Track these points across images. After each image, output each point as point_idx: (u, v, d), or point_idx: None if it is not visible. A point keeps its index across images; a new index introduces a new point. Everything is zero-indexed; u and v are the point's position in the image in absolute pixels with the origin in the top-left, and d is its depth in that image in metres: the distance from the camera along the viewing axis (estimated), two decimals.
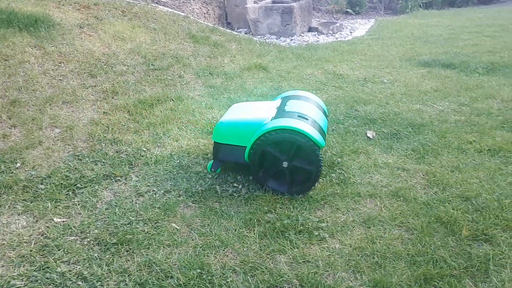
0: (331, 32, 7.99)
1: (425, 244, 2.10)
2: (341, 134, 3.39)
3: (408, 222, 2.28)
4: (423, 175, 2.77)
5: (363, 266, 1.97)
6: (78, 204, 2.44)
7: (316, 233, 2.20)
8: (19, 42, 4.07)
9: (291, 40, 7.33)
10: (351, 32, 8.15)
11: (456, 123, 3.58)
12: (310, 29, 8.20)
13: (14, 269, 1.93)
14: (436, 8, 11.44)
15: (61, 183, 2.61)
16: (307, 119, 2.55)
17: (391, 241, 2.14)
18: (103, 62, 4.40)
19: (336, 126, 3.55)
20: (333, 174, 2.78)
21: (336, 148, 3.12)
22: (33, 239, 2.14)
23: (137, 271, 1.95)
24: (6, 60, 3.77)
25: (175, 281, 1.88)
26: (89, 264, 1.98)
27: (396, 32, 7.98)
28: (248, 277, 1.92)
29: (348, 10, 10.31)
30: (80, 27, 4.93)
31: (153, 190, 2.60)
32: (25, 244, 2.10)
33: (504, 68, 5.22)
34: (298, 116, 2.57)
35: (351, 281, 1.89)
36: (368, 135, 3.34)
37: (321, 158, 2.49)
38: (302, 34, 7.80)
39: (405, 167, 2.86)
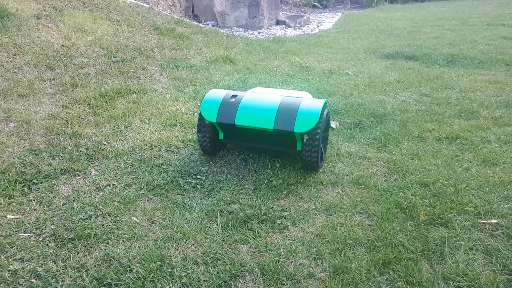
0: (298, 25, 8.02)
1: (384, 230, 2.15)
2: None
3: (368, 209, 2.32)
4: (384, 163, 2.83)
5: (324, 253, 1.99)
6: (34, 200, 2.34)
7: (279, 222, 2.21)
8: None
9: (259, 33, 7.32)
10: (318, 26, 8.22)
11: (417, 113, 3.67)
12: (278, 22, 8.21)
13: None
14: (401, 2, 11.71)
15: (16, 179, 2.50)
16: None
17: (351, 227, 2.18)
18: (62, 54, 4.24)
19: None
20: (296, 164, 2.79)
21: None
22: None
23: (94, 266, 1.89)
24: None
25: (134, 274, 1.84)
26: (43, 261, 1.90)
27: (362, 25, 8.12)
28: (210, 268, 1.91)
29: (315, 3, 10.39)
30: (38, 18, 4.72)
31: (113, 184, 2.53)
32: None
33: (463, 60, 5.41)
34: None
35: (312, 268, 1.91)
36: (332, 125, 3.38)
37: None
38: (269, 27, 7.80)
39: (367, 156, 2.91)
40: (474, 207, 2.32)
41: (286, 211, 2.30)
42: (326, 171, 2.72)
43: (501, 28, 7.51)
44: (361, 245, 2.05)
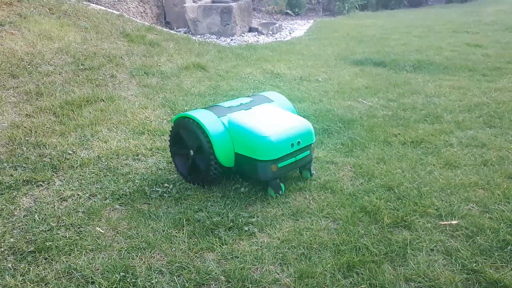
0: (271, 32, 8.10)
1: (349, 233, 2.18)
2: None
3: (334, 213, 2.35)
4: (351, 167, 2.88)
5: (290, 258, 2.00)
6: None
7: (246, 229, 2.21)
8: None
9: (231, 40, 7.34)
10: (290, 33, 8.31)
11: (384, 118, 3.76)
12: (251, 30, 8.26)
13: None
14: (371, 10, 11.99)
15: None
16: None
17: (317, 232, 2.20)
18: (26, 62, 4.13)
19: None
20: None
21: None
22: None
23: (55, 279, 1.84)
24: None
25: (97, 286, 1.80)
26: (1, 276, 1.84)
27: (333, 32, 8.26)
28: (175, 277, 1.89)
29: (288, 11, 10.51)
30: (1, 25, 4.61)
31: (78, 194, 2.48)
32: None
33: (429, 66, 5.58)
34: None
35: (278, 273, 1.91)
36: None
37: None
38: (242, 34, 7.84)
39: (334, 161, 2.95)
40: (436, 209, 2.38)
41: (253, 218, 2.31)
42: (293, 177, 2.74)
43: (466, 35, 7.80)
44: (326, 249, 2.07)
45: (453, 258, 2.01)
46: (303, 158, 2.57)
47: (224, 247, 2.08)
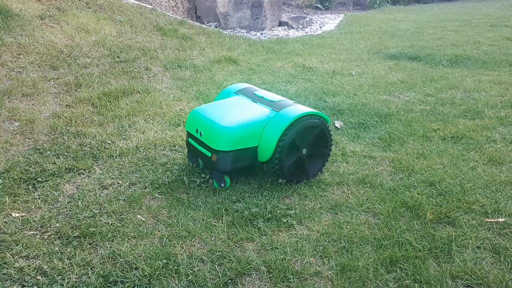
0: (301, 26, 8.03)
1: (391, 228, 2.13)
2: None
3: (374, 208, 2.31)
4: (389, 162, 2.82)
5: (330, 251, 1.98)
6: (39, 198, 2.33)
7: (285, 220, 2.20)
8: None
9: (261, 34, 7.32)
10: (320, 27, 8.22)
11: (422, 112, 3.66)
12: (280, 24, 8.21)
13: None
14: (403, 4, 11.71)
15: (20, 177, 2.49)
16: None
17: (358, 226, 2.16)
18: (65, 54, 4.24)
19: None
20: None
21: None
22: None
23: (100, 263, 1.88)
24: None
25: (140, 272, 1.83)
26: (49, 259, 1.90)
27: (365, 26, 8.12)
28: (216, 265, 1.90)
29: (317, 5, 10.39)
30: (41, 18, 4.74)
31: (118, 183, 2.52)
32: None
33: (466, 60, 5.40)
34: (294, 102, 2.63)
35: (319, 266, 1.90)
36: (336, 125, 3.37)
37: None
38: (272, 28, 7.80)
39: (372, 155, 2.90)
40: (481, 206, 2.30)
41: (291, 210, 2.29)
42: (331, 170, 2.71)
43: (504, 29, 7.50)
44: (367, 243, 2.04)
45: (502, 256, 1.93)
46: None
47: (263, 237, 2.07)
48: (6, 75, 3.58)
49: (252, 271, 1.87)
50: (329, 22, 8.81)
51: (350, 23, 8.66)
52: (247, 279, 1.83)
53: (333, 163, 2.80)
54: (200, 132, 2.52)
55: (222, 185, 2.50)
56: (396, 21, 8.76)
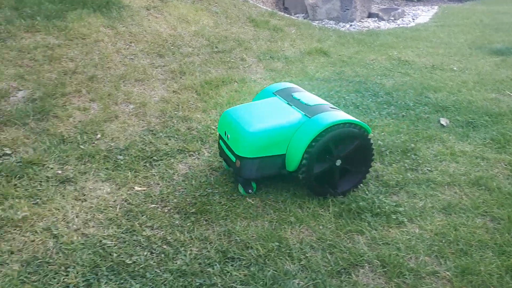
0: (392, 18, 7.70)
1: None
2: (413, 121, 3.27)
3: (492, 212, 2.17)
4: (505, 164, 2.62)
5: (447, 252, 1.91)
6: (156, 175, 2.53)
7: (394, 217, 2.16)
8: (93, 22, 4.26)
9: (351, 25, 7.15)
10: (413, 19, 7.82)
11: None
12: (370, 15, 7.94)
13: (104, 230, 2.04)
14: None
15: (138, 155, 2.72)
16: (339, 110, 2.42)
17: (475, 229, 2.05)
18: (170, 43, 4.51)
19: (407, 112, 3.43)
20: (406, 160, 2.70)
21: (408, 134, 3.03)
22: (117, 204, 2.25)
23: (217, 239, 2.00)
24: (83, 38, 3.96)
25: (255, 251, 1.91)
26: (171, 230, 2.06)
27: (463, 19, 7.57)
28: (327, 254, 1.92)
29: None
30: (147, 9, 5.07)
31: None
32: (111, 208, 2.22)
33: None
34: (332, 107, 2.41)
35: (435, 266, 1.84)
36: (442, 122, 3.21)
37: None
38: (361, 20, 7.58)
39: (485, 156, 2.72)
40: None
41: (400, 207, 2.24)
42: (439, 170, 2.59)
43: None
44: (487, 248, 1.93)
45: None
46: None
47: (373, 232, 2.06)
48: (120, 61, 3.90)
49: (365, 263, 1.87)
50: (422, 14, 8.34)
51: (447, 15, 8.13)
52: (361, 270, 1.83)
53: (441, 162, 2.68)
54: (228, 135, 2.38)
55: (250, 191, 2.35)
56: (499, 14, 8.04)
